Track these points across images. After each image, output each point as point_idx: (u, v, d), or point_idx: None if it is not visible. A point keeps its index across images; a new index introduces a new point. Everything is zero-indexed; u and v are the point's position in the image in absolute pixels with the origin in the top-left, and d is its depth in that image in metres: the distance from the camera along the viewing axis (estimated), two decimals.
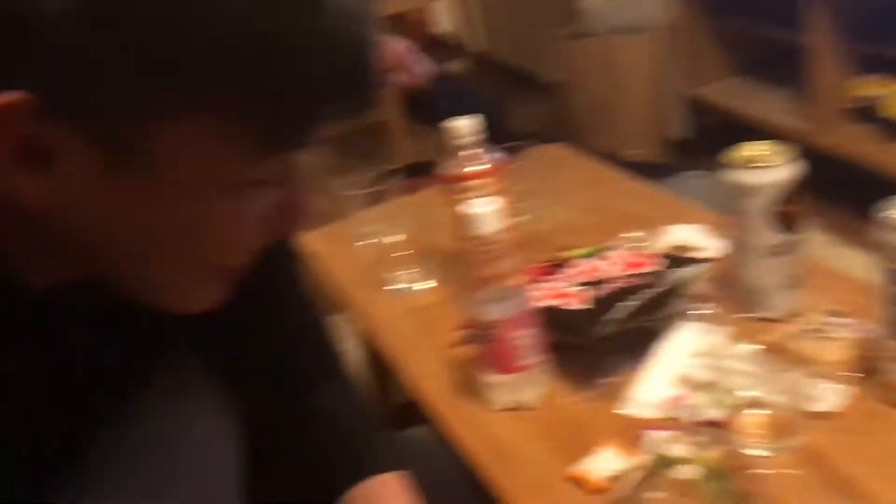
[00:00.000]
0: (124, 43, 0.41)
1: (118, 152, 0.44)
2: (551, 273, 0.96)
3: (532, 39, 3.05)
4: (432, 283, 1.12)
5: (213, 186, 0.47)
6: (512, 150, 1.28)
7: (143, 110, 0.43)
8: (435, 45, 2.89)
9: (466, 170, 0.99)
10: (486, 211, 0.92)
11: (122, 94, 0.42)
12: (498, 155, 1.09)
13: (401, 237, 1.10)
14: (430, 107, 2.40)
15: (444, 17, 3.22)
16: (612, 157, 1.64)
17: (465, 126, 0.99)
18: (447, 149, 1.01)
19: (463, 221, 0.93)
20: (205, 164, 0.46)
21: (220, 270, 0.54)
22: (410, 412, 0.99)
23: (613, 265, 0.94)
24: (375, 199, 1.20)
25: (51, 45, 0.41)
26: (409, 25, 2.86)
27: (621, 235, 1.06)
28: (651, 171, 1.82)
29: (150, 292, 0.54)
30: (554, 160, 1.45)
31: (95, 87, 0.42)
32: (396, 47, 2.51)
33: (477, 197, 0.96)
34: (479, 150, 1.01)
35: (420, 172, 1.59)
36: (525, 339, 0.84)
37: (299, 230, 0.59)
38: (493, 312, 0.83)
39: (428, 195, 1.30)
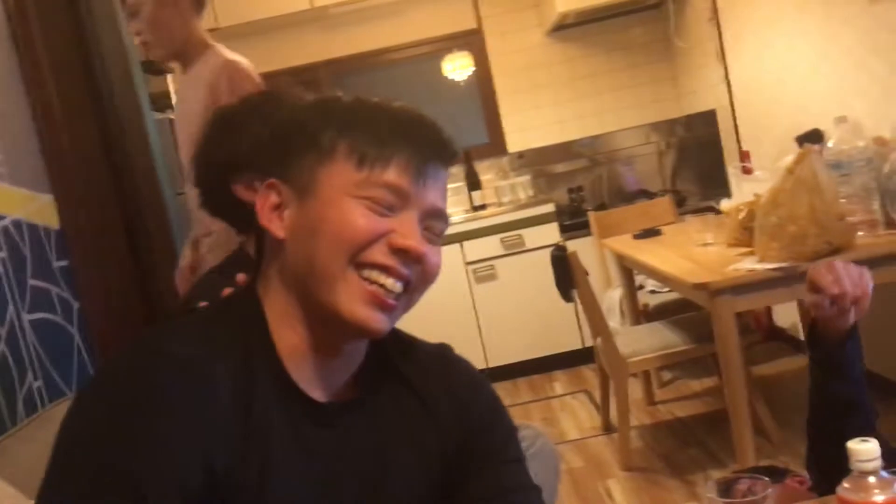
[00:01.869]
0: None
1: (306, 193, 0.88)
2: None
3: None
4: None
5: (343, 194, 0.86)
6: None
7: (317, 166, 0.88)
8: None
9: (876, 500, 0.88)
10: None
11: (309, 166, 0.89)
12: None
13: None
14: None
15: None
16: None
17: (871, 449, 0.90)
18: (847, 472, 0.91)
19: None
20: (338, 181, 0.87)
21: (369, 283, 0.86)
22: None
23: None
24: None
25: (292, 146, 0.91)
26: None
27: None
28: None
29: (330, 302, 0.86)
30: None
31: (300, 164, 0.89)
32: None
33: None
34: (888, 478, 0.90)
35: (778, 476, 1.46)
36: None
37: (417, 267, 0.89)
38: None
39: None
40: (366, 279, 0.86)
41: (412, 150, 0.88)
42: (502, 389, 4.17)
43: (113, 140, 2.59)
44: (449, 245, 4.20)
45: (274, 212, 0.89)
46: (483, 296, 4.23)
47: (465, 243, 4.21)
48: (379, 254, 0.86)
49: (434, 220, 0.91)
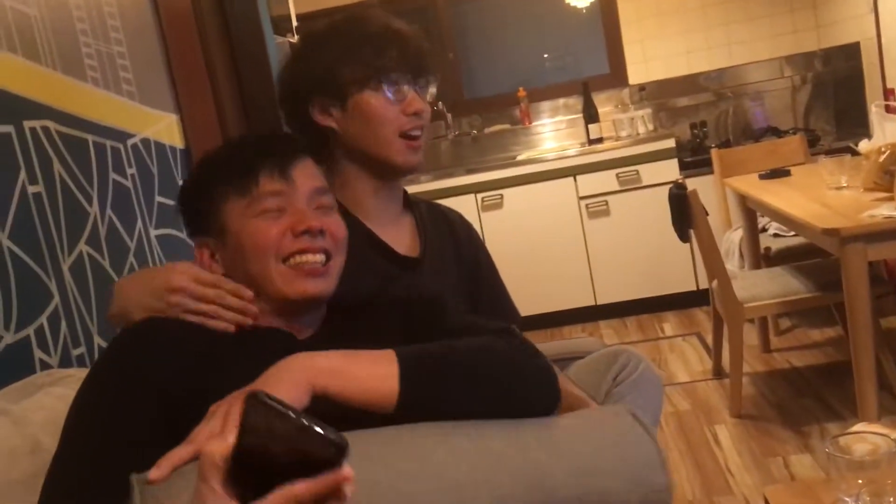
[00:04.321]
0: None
1: (223, 234, 1.10)
2: None
3: None
4: None
5: (244, 219, 1.09)
6: None
7: (217, 212, 1.10)
8: None
9: None
10: None
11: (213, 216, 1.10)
12: None
13: None
14: None
15: None
16: None
17: None
18: None
19: None
20: (236, 212, 1.09)
21: (295, 267, 1.08)
22: None
23: None
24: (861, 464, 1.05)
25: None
26: None
27: None
28: None
29: (275, 292, 1.08)
30: None
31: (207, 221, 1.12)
32: None
33: None
34: None
35: None
36: None
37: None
38: None
39: None
40: (292, 266, 1.07)
41: (272, 160, 1.09)
42: (610, 328, 4.12)
43: (237, 63, 2.64)
44: (562, 179, 4.12)
45: (212, 261, 1.12)
46: (595, 232, 4.15)
47: (579, 177, 4.12)
48: (291, 244, 1.07)
49: (319, 196, 1.12)
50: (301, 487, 0.65)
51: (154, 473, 0.82)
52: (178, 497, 0.78)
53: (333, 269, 1.11)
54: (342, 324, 1.14)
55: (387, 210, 1.38)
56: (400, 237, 1.38)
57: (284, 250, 1.07)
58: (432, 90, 1.36)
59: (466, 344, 1.00)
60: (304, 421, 0.65)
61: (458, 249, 1.46)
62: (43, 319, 1.42)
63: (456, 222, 1.51)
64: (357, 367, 0.92)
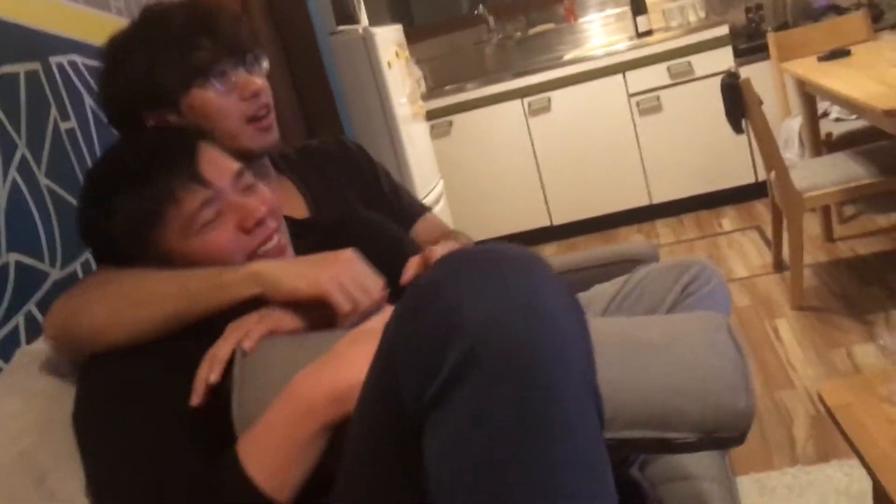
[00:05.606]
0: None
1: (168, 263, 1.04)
2: None
3: None
4: None
5: (184, 241, 1.04)
6: None
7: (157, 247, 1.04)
8: None
9: None
10: None
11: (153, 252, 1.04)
12: None
13: None
14: None
15: None
16: None
17: None
18: None
19: None
20: (171, 238, 1.04)
21: (263, 255, 1.07)
22: None
23: None
24: None
25: None
26: None
27: None
28: None
29: None
30: None
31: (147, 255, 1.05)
32: None
33: None
34: None
35: None
36: None
37: None
38: None
39: None
40: (261, 255, 1.05)
41: (178, 169, 1.02)
42: (666, 226, 4.04)
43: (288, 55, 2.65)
44: (611, 76, 3.98)
45: None
46: (647, 129, 4.02)
47: (629, 73, 3.97)
48: (249, 241, 1.05)
49: (241, 180, 1.08)
50: None
51: (246, 344, 0.93)
52: (272, 363, 0.91)
53: (284, 237, 1.12)
54: None
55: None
56: (288, 204, 1.31)
57: (246, 251, 1.05)
58: (265, 64, 1.27)
59: None
60: None
61: (350, 170, 1.44)
62: (88, 255, 1.45)
63: (330, 146, 1.48)
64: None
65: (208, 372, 0.93)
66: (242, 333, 0.96)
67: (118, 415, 0.93)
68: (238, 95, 1.21)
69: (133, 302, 0.98)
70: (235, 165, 1.09)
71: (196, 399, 0.92)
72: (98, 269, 1.12)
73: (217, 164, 1.06)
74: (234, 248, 1.04)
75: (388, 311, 0.80)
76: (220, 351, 0.94)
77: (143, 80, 1.18)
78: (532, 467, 0.65)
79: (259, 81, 1.23)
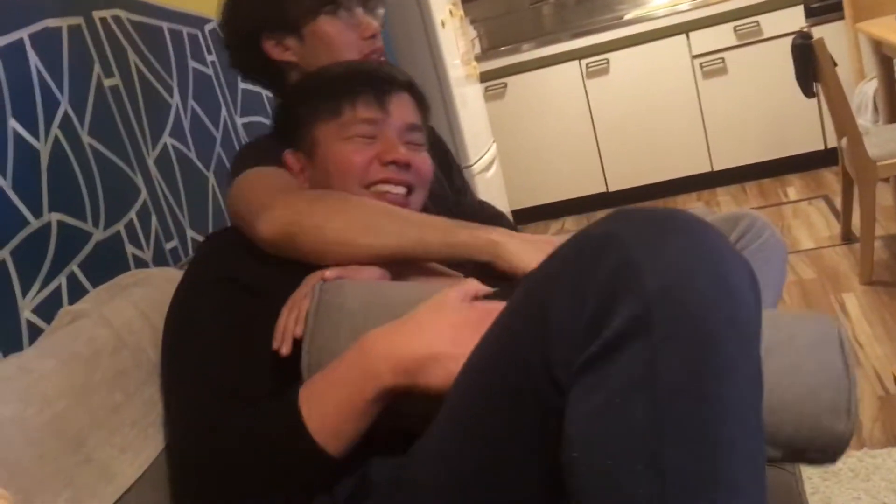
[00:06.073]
0: None
1: (313, 153, 1.14)
2: None
3: None
4: None
5: (334, 140, 1.12)
6: None
7: (312, 129, 1.14)
8: None
9: None
10: None
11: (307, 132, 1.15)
12: None
13: None
14: None
15: None
16: None
17: None
18: None
19: None
20: (327, 133, 1.13)
21: (379, 195, 1.10)
22: None
23: None
24: None
25: None
26: None
27: None
28: None
29: None
30: None
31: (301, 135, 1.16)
32: None
33: None
34: None
35: None
36: None
37: None
38: None
39: None
40: (374, 193, 1.09)
41: (371, 88, 1.11)
42: (728, 194, 3.90)
43: None
44: (673, 37, 3.83)
45: (300, 174, 1.14)
46: (710, 93, 3.87)
47: (692, 34, 3.81)
48: (377, 172, 1.10)
49: (411, 133, 1.14)
50: None
51: (330, 274, 0.96)
52: (346, 311, 0.91)
53: (413, 204, 1.13)
54: None
55: None
56: None
57: (369, 177, 1.09)
58: (381, 11, 1.31)
59: None
60: None
61: (439, 159, 1.45)
62: (132, 215, 1.42)
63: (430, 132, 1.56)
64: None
65: (293, 322, 0.94)
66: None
67: (231, 307, 0.98)
68: (359, 33, 1.25)
69: (373, 230, 1.01)
70: (415, 119, 1.16)
71: (284, 348, 0.93)
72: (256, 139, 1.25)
73: (402, 108, 1.14)
74: (359, 170, 1.09)
75: (468, 282, 0.89)
76: (305, 303, 0.94)
77: (276, 4, 1.23)
78: (693, 443, 0.59)
79: (377, 26, 1.28)
